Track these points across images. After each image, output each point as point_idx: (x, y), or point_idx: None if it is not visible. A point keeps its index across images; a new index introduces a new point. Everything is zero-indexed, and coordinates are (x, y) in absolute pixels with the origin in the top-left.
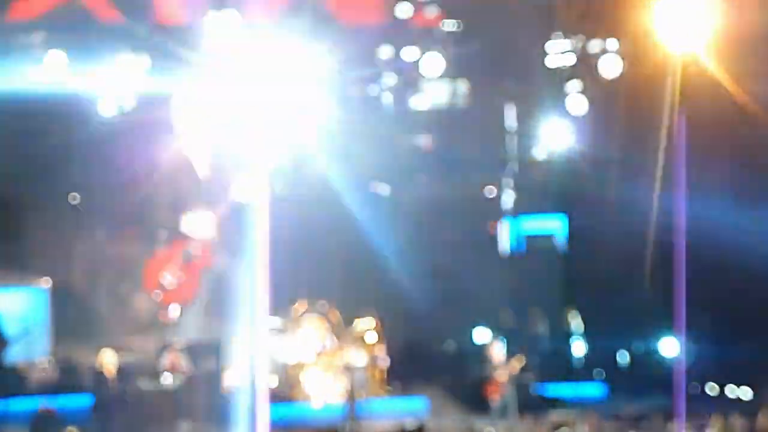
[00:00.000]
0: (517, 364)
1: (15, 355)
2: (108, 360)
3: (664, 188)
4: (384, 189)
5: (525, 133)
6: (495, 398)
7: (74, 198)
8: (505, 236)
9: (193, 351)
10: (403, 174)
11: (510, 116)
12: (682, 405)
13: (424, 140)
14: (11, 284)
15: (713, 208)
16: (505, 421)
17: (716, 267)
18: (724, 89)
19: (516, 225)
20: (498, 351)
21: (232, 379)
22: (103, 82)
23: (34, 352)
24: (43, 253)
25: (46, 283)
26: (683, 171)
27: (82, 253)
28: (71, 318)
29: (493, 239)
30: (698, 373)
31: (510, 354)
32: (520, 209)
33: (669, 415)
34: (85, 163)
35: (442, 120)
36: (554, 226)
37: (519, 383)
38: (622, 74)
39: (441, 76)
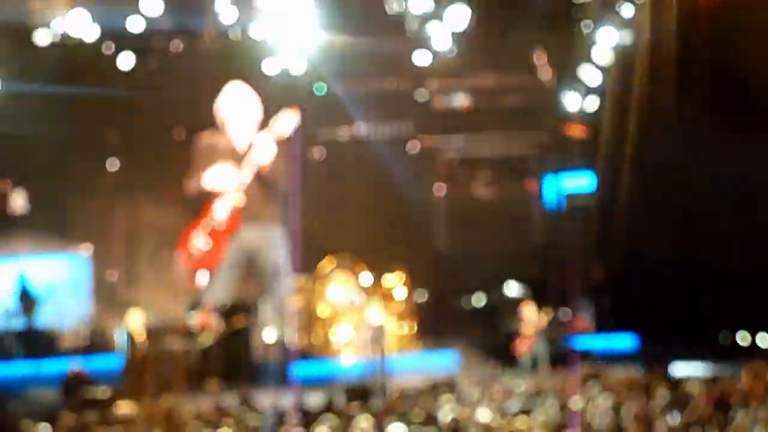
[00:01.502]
0: (546, 317)
1: (48, 317)
2: (137, 321)
3: (697, 139)
4: (416, 144)
5: (561, 87)
6: (524, 352)
7: (113, 164)
8: (543, 193)
9: (224, 311)
10: (437, 130)
11: (544, 70)
12: (712, 355)
13: (458, 96)
14: (52, 251)
15: (741, 156)
16: (534, 375)
17: (747, 213)
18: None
19: (555, 182)
20: (528, 305)
21: (263, 337)
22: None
23: (70, 316)
24: (83, 219)
25: (87, 249)
26: (712, 122)
27: (121, 218)
28: (109, 283)
29: (531, 196)
30: (730, 322)
31: (540, 308)
32: (560, 166)
33: (700, 365)
34: (123, 126)
35: (475, 75)
36: (591, 183)
37: (549, 336)
38: (648, 23)
39: (466, 29)
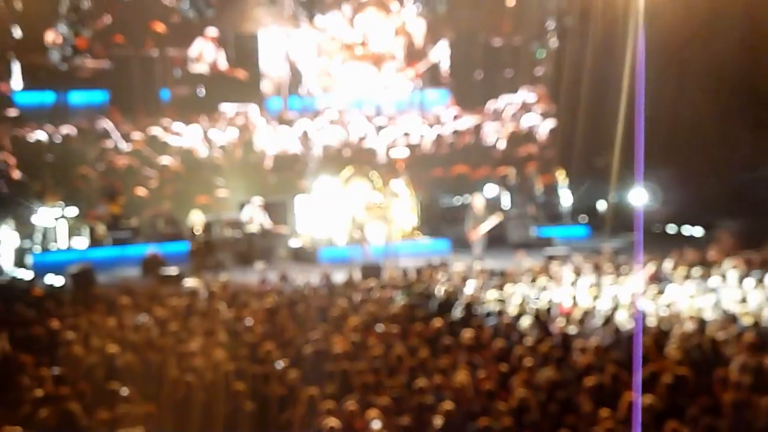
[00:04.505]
0: (496, 218)
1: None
2: (197, 217)
3: None
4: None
5: None
6: (474, 240)
7: None
8: None
9: (268, 207)
10: None
11: None
12: (646, 242)
13: None
14: None
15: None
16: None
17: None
18: None
19: None
20: (479, 203)
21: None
22: None
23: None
24: None
25: None
26: None
27: None
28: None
29: None
30: (661, 215)
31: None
32: None
33: (637, 250)
34: None
35: None
36: None
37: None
38: None
39: None
